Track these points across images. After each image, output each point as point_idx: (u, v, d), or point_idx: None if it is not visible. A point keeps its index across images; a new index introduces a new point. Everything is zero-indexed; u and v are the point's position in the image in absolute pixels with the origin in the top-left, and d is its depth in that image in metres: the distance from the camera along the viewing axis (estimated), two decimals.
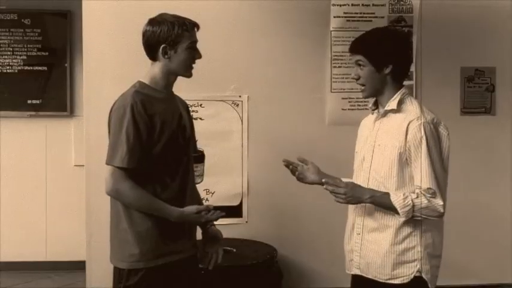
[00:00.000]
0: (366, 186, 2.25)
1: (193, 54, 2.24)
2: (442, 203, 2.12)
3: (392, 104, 2.23)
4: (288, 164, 2.41)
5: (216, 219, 2.27)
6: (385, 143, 2.22)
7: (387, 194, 2.14)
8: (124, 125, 2.11)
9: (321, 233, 3.42)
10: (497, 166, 3.70)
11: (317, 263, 3.46)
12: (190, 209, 2.19)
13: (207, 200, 3.39)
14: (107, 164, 2.15)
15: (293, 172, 2.42)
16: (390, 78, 2.23)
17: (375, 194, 2.17)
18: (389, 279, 2.20)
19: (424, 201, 2.11)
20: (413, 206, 2.11)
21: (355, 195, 2.17)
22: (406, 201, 2.11)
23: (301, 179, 2.42)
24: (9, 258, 4.76)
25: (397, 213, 2.13)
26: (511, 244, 3.66)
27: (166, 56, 2.20)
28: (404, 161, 2.17)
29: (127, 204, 2.17)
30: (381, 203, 2.16)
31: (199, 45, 2.29)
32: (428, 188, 2.11)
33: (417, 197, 2.12)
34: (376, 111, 2.33)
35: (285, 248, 3.35)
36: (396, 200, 2.12)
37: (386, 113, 2.25)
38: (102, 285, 3.08)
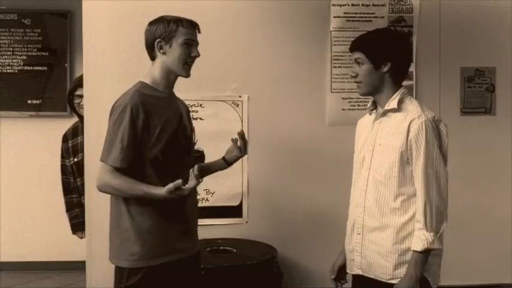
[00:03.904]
0: (365, 186, 2.26)
1: (189, 50, 2.25)
2: (431, 233, 2.13)
3: (392, 103, 2.24)
4: None
5: (195, 185, 2.15)
6: (386, 143, 2.22)
7: (413, 256, 2.13)
8: (122, 124, 2.13)
9: (321, 233, 3.41)
10: (497, 166, 3.70)
11: (317, 263, 3.45)
12: (166, 188, 2.10)
13: (207, 200, 3.40)
14: (102, 161, 2.18)
15: None
16: (389, 77, 2.24)
17: (412, 270, 2.13)
18: (391, 278, 2.20)
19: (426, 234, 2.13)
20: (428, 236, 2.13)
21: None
22: (421, 237, 2.13)
23: None
24: (9, 258, 4.77)
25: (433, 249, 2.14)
26: (511, 244, 3.66)
27: (161, 51, 2.23)
28: (405, 160, 2.18)
29: (119, 193, 2.17)
30: (422, 260, 2.13)
31: (200, 45, 2.30)
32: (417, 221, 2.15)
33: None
34: (374, 111, 2.34)
35: (285, 248, 3.35)
36: (418, 243, 2.12)
37: (386, 112, 2.26)
38: (102, 285, 3.07)
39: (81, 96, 3.49)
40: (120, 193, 2.17)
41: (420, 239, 2.12)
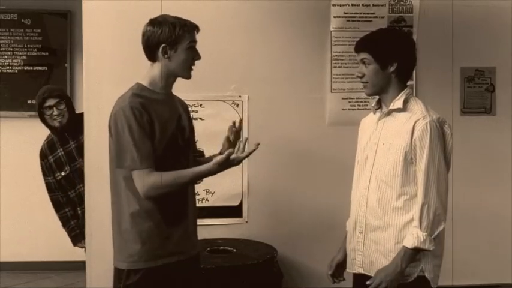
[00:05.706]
0: (368, 185, 2.27)
1: (193, 54, 2.25)
2: (424, 233, 2.14)
3: (397, 103, 2.24)
4: None
5: (245, 156, 2.17)
6: (390, 142, 2.23)
7: (403, 249, 2.15)
8: (126, 128, 2.11)
9: (321, 233, 3.41)
10: (497, 166, 3.70)
11: (317, 263, 3.45)
12: (221, 158, 2.12)
13: (207, 200, 3.40)
14: (132, 169, 2.13)
15: None
16: (395, 77, 2.25)
17: (398, 261, 2.15)
18: None
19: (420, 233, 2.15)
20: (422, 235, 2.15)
21: (389, 278, 2.15)
22: (414, 234, 2.14)
23: None
24: (9, 258, 4.77)
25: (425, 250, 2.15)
26: (511, 244, 3.66)
27: (166, 56, 2.21)
28: (409, 160, 2.18)
29: (168, 189, 2.14)
30: (410, 256, 2.15)
31: (199, 45, 2.29)
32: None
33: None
34: (378, 110, 2.34)
35: (285, 248, 3.35)
36: (410, 240, 2.14)
37: (391, 112, 2.26)
38: (102, 285, 3.07)
39: (51, 107, 3.44)
40: (170, 188, 2.14)
41: (413, 236, 2.14)
